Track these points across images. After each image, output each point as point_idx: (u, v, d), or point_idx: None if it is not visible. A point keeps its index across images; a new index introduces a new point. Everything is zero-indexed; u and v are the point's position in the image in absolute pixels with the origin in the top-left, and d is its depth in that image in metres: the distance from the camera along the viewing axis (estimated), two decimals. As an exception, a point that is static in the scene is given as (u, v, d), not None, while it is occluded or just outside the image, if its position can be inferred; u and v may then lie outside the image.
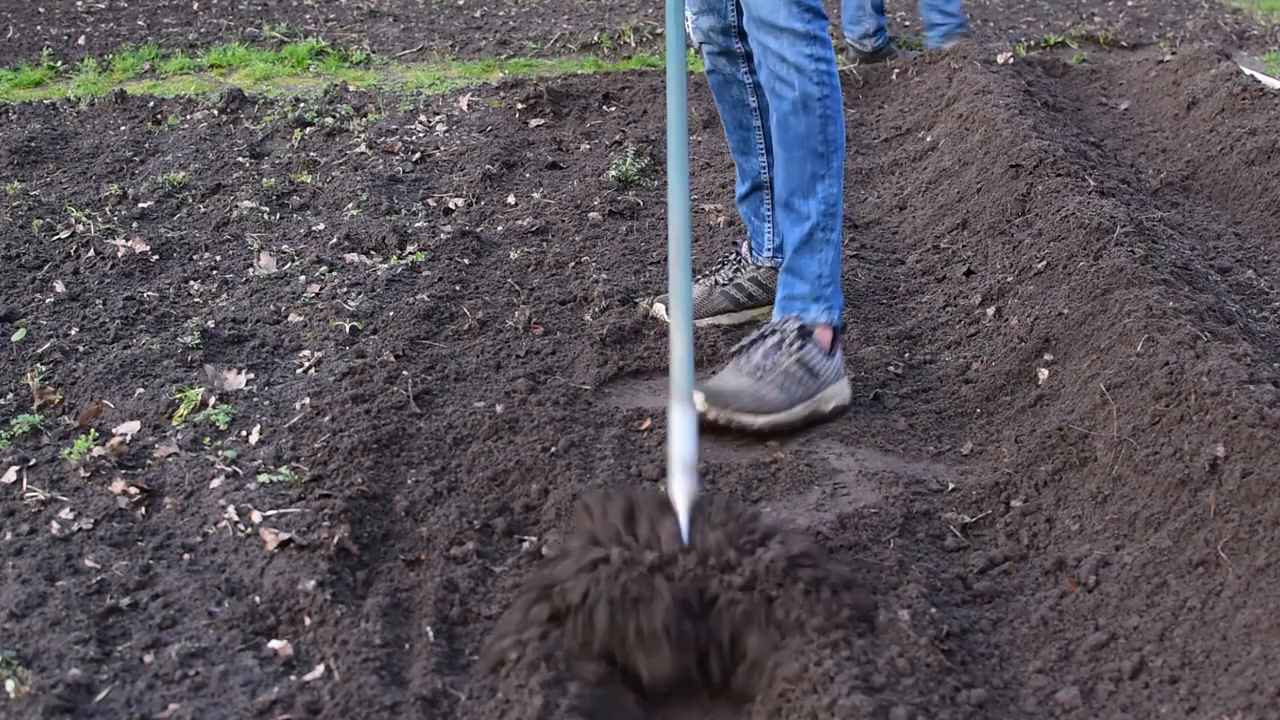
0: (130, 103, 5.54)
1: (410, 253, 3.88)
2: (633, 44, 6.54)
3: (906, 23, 6.89)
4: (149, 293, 3.65)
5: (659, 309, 3.35)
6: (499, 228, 4.10)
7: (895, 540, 2.46)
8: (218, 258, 3.92)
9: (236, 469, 2.76)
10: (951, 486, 2.71)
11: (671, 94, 2.28)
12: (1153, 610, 2.22)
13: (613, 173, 4.45)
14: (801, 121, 2.84)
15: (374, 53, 6.42)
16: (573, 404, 2.98)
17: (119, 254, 3.88)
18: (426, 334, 3.35)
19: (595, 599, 2.06)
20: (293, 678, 2.16)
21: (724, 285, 3.35)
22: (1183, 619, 2.17)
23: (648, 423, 2.94)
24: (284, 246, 3.96)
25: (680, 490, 2.17)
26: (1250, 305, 3.36)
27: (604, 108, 5.39)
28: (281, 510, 2.59)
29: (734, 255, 3.40)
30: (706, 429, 2.78)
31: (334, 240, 3.97)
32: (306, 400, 3.01)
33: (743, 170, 3.31)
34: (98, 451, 2.82)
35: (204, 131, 5.12)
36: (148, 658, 2.20)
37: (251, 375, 3.16)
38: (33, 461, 2.82)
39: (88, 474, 2.75)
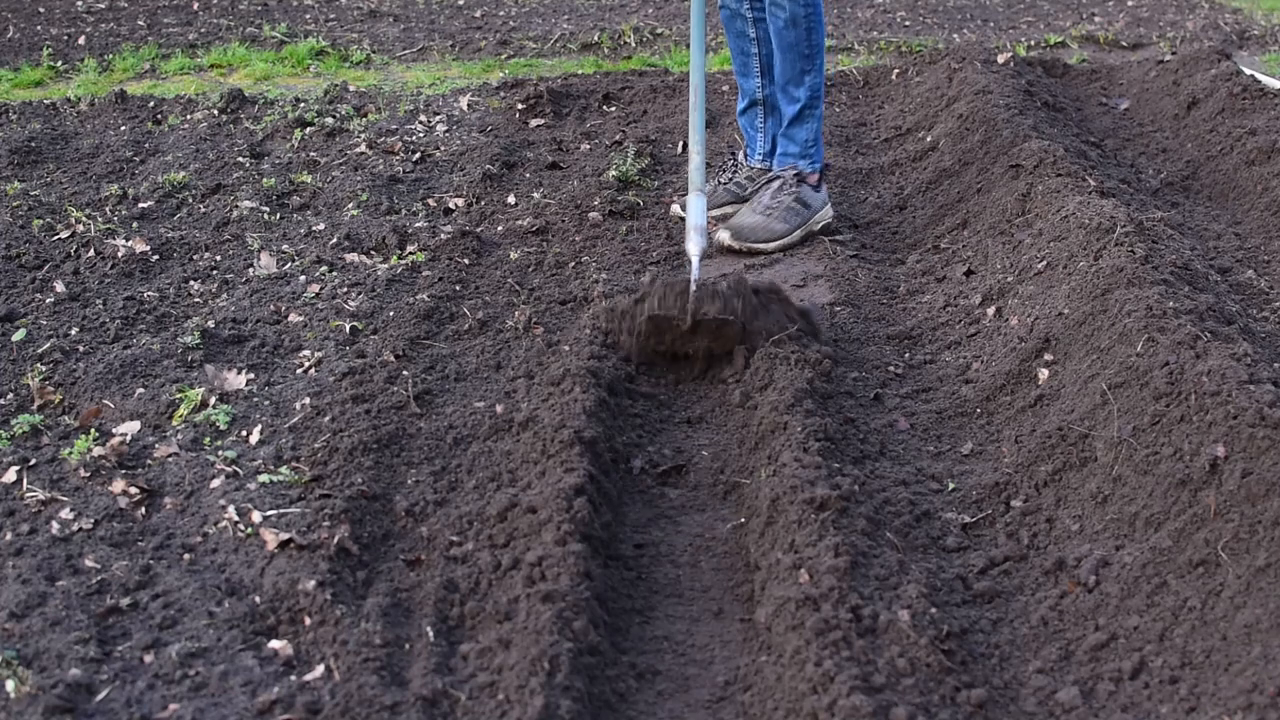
0: (130, 103, 5.53)
1: (410, 253, 3.88)
2: (633, 44, 6.54)
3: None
4: (149, 293, 3.65)
5: (676, 209, 4.17)
6: (499, 228, 4.10)
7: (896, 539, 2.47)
8: (218, 258, 3.92)
9: (236, 469, 2.76)
10: (951, 486, 2.71)
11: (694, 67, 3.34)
12: (1153, 610, 2.22)
13: (613, 173, 4.45)
14: (791, 33, 3.89)
15: (374, 53, 6.42)
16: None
17: (119, 254, 3.88)
18: (426, 334, 3.35)
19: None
20: (293, 678, 2.16)
21: (726, 184, 4.26)
22: (1183, 619, 2.17)
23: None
24: (284, 246, 3.96)
25: (694, 244, 3.12)
26: (1250, 305, 3.35)
27: (604, 108, 5.39)
28: (281, 510, 2.59)
29: (731, 161, 4.33)
30: (732, 254, 3.93)
31: (334, 240, 3.97)
32: (306, 400, 3.01)
33: (743, 89, 4.23)
34: (98, 451, 2.82)
35: (204, 131, 5.12)
36: (148, 658, 2.20)
37: (251, 375, 3.16)
38: (33, 461, 2.82)
39: (88, 474, 2.75)
